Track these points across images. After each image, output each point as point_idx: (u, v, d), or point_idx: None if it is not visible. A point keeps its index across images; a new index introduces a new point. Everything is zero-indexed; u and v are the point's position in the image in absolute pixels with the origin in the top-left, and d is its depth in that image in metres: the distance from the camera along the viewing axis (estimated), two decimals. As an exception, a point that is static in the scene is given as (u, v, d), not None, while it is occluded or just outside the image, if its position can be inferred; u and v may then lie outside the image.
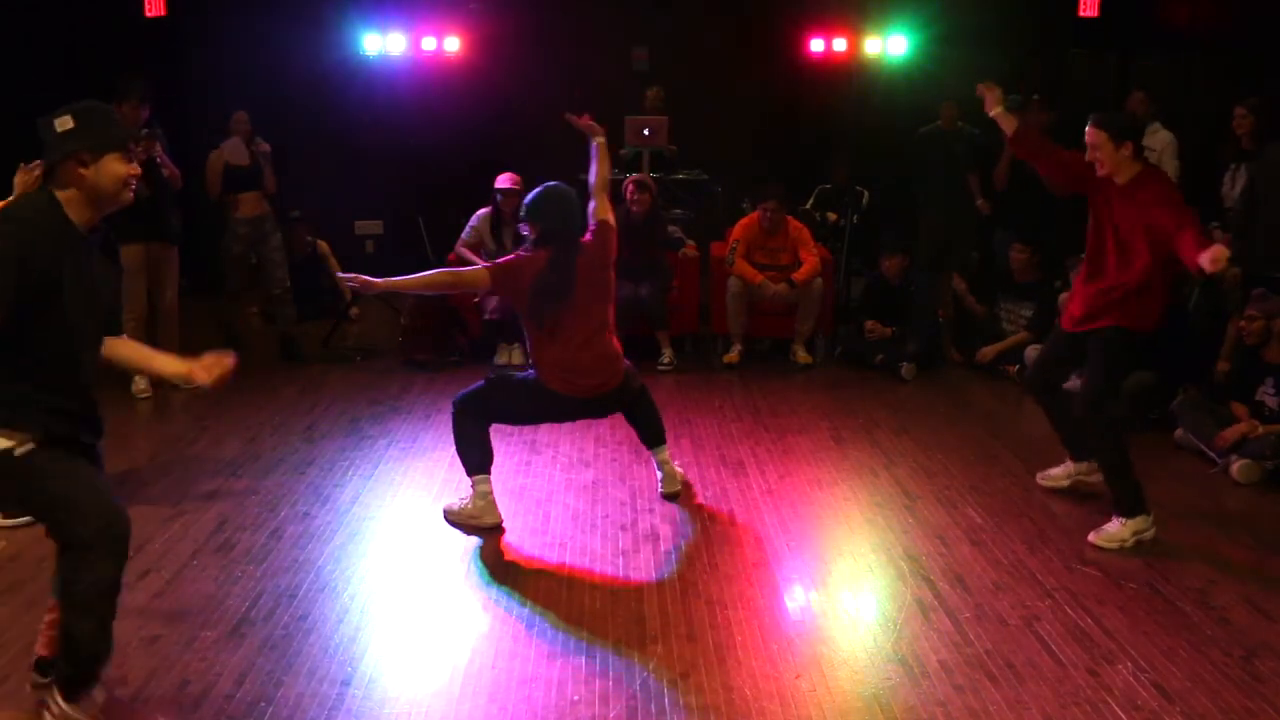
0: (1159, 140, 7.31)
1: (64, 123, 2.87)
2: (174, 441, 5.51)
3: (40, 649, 3.13)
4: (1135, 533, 4.28)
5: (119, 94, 6.00)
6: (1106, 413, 4.40)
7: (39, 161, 2.98)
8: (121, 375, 6.35)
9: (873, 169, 8.78)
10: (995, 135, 7.82)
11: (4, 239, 2.75)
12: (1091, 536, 4.31)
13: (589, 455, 5.36)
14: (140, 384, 6.30)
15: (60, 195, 2.85)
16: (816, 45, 8.89)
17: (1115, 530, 4.29)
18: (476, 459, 4.46)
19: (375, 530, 4.43)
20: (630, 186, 7.21)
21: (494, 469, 5.16)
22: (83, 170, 2.84)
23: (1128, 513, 4.29)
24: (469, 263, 7.24)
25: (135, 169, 2.96)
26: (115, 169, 2.88)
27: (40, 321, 2.79)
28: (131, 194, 2.97)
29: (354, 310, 8.21)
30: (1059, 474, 4.92)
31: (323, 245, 7.97)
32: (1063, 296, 6.93)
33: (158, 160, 6.08)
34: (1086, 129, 4.28)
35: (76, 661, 2.91)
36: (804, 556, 4.19)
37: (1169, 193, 4.25)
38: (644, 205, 7.18)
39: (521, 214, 4.51)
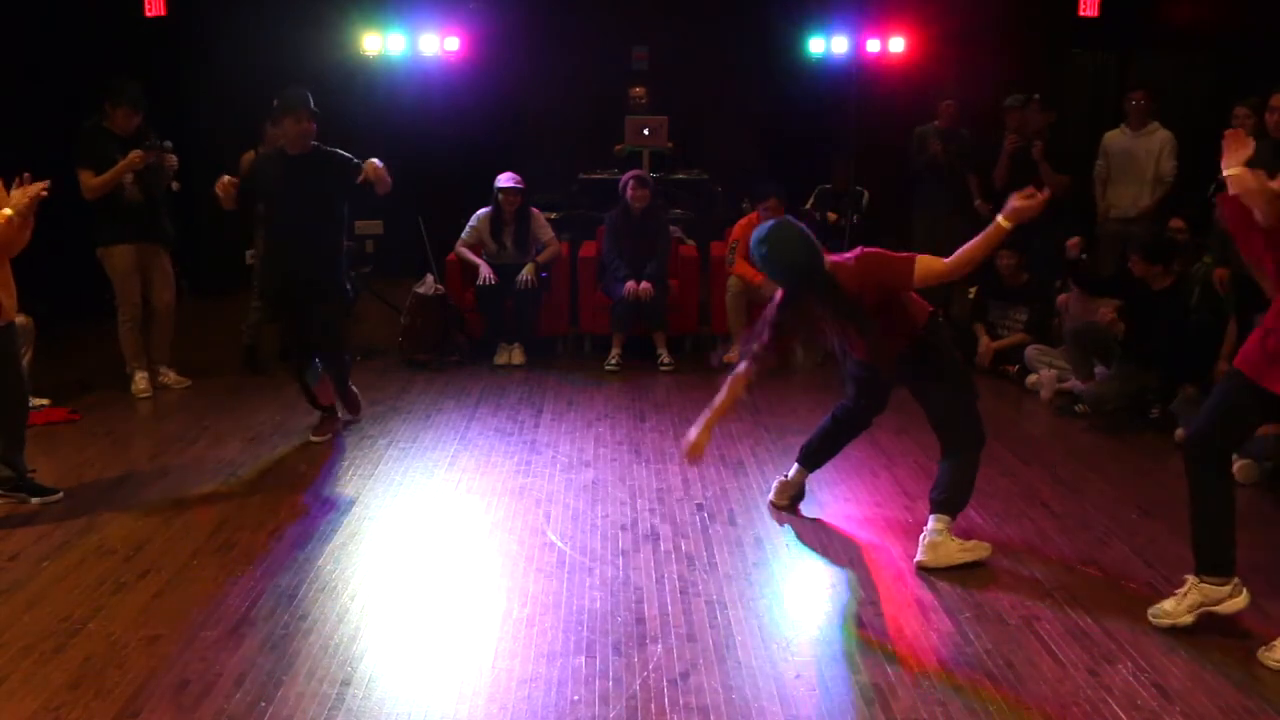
0: (1158, 139, 7.32)
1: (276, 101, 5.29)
2: (174, 441, 5.51)
3: (323, 400, 5.64)
4: (1198, 605, 3.56)
5: (113, 98, 5.99)
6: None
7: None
8: (122, 376, 6.37)
9: (873, 169, 8.79)
10: (986, 136, 7.90)
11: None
12: (1150, 614, 3.64)
13: (589, 455, 5.36)
14: (140, 384, 6.31)
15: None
16: (816, 45, 8.89)
17: (1166, 605, 3.62)
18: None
19: (375, 530, 4.43)
20: (630, 183, 7.24)
21: (494, 469, 5.19)
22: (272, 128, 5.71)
23: (1209, 570, 3.58)
24: (469, 263, 7.28)
25: (306, 127, 5.23)
26: (288, 127, 5.25)
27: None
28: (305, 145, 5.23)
29: (354, 308, 8.20)
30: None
31: None
32: (1061, 299, 6.92)
33: (165, 166, 6.09)
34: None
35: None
36: (803, 557, 4.19)
37: None
38: (643, 201, 7.22)
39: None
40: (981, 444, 4.26)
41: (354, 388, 5.82)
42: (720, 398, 4.17)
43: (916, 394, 4.38)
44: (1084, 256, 6.58)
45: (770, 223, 4.09)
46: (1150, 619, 3.63)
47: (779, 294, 4.14)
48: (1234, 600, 3.57)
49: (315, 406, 5.62)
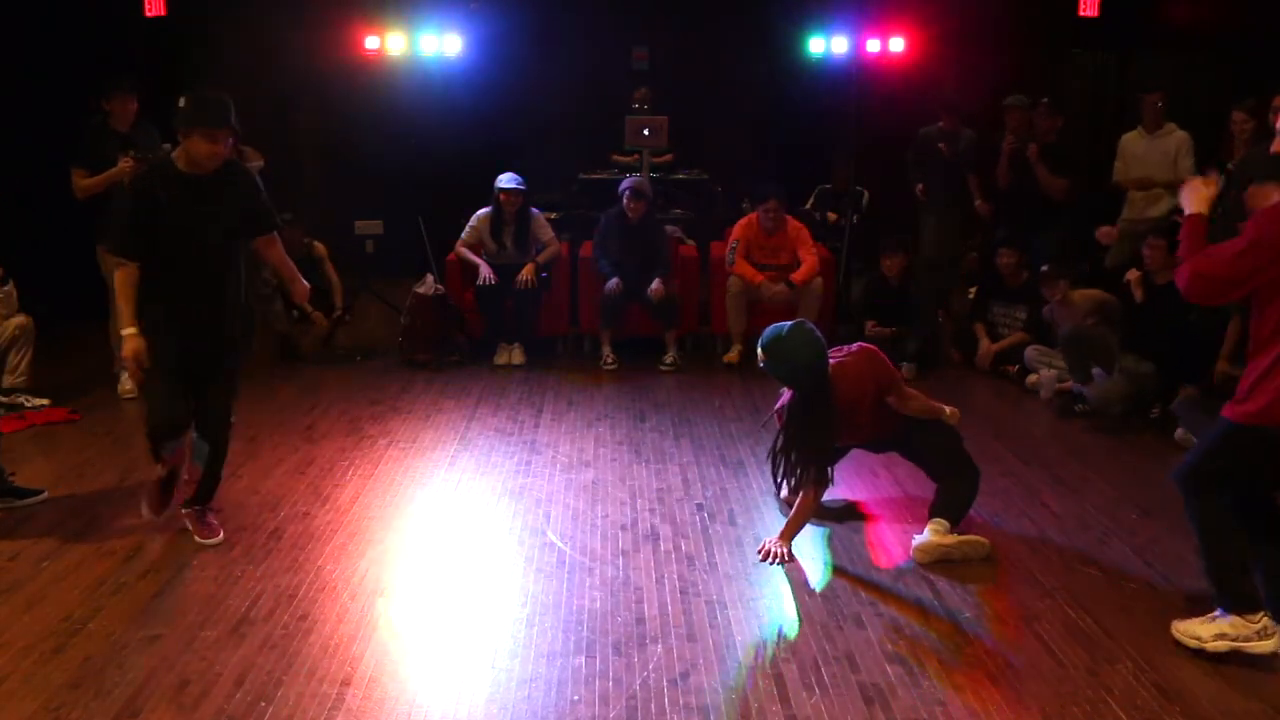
0: (1174, 140, 7.25)
1: (182, 102, 3.98)
2: (174, 441, 5.50)
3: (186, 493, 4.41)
4: (1222, 635, 3.39)
5: (106, 89, 5.99)
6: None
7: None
8: (113, 376, 6.35)
9: (873, 169, 8.79)
10: (986, 136, 7.90)
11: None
12: (1174, 625, 3.54)
13: (589, 455, 5.36)
14: (127, 384, 6.26)
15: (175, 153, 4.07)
16: (816, 45, 8.89)
17: (1193, 624, 3.48)
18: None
19: (375, 530, 4.43)
20: (627, 193, 7.24)
21: (494, 469, 5.19)
22: (182, 139, 4.01)
23: (1226, 605, 3.43)
24: (469, 263, 7.28)
25: (218, 148, 3.99)
26: (198, 145, 3.96)
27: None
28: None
29: (346, 317, 8.18)
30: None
31: (320, 247, 7.98)
32: (1045, 310, 6.87)
33: None
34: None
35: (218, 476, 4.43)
36: (803, 557, 4.19)
37: None
38: (638, 213, 7.22)
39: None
40: (978, 477, 4.41)
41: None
42: (795, 515, 4.27)
43: (912, 455, 4.55)
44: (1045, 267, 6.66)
45: (789, 323, 4.19)
46: (1174, 634, 3.49)
47: (786, 396, 4.30)
48: (1263, 642, 3.37)
49: (157, 460, 4.29)
